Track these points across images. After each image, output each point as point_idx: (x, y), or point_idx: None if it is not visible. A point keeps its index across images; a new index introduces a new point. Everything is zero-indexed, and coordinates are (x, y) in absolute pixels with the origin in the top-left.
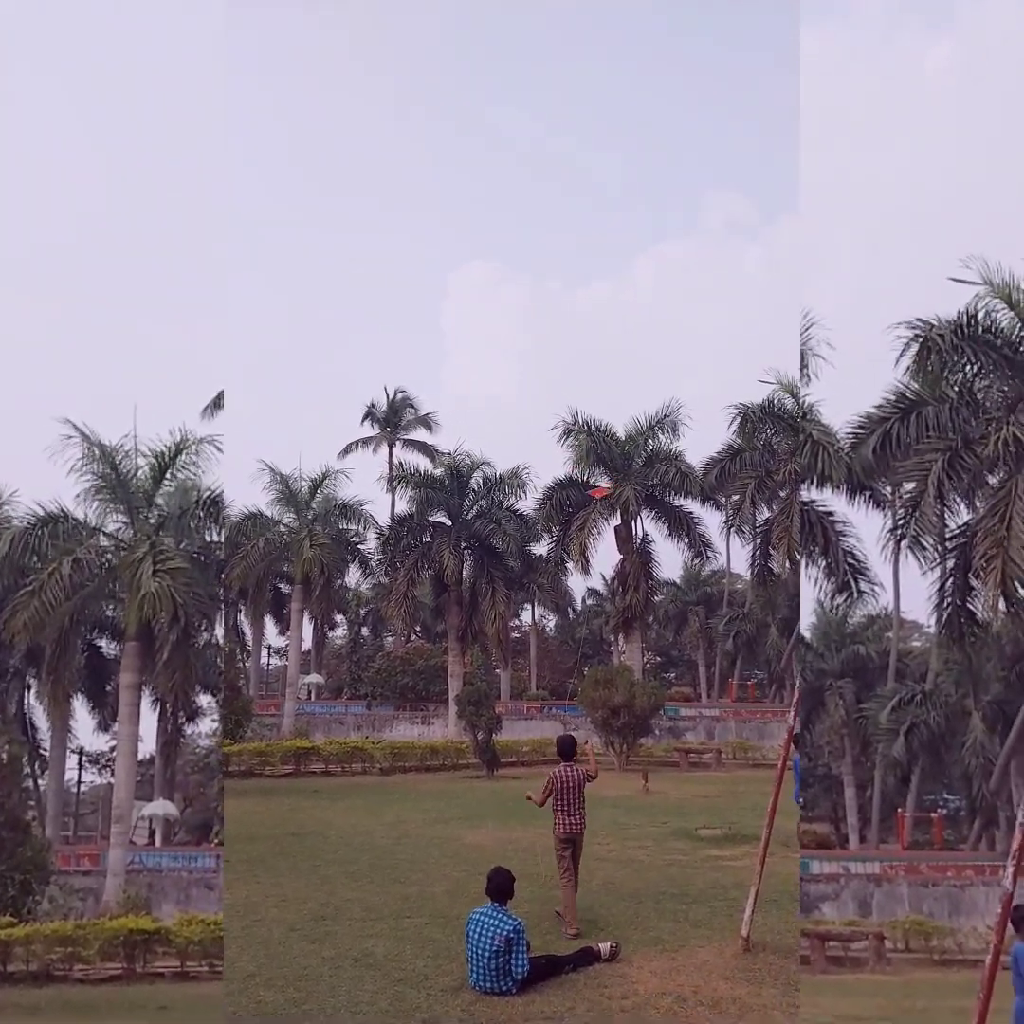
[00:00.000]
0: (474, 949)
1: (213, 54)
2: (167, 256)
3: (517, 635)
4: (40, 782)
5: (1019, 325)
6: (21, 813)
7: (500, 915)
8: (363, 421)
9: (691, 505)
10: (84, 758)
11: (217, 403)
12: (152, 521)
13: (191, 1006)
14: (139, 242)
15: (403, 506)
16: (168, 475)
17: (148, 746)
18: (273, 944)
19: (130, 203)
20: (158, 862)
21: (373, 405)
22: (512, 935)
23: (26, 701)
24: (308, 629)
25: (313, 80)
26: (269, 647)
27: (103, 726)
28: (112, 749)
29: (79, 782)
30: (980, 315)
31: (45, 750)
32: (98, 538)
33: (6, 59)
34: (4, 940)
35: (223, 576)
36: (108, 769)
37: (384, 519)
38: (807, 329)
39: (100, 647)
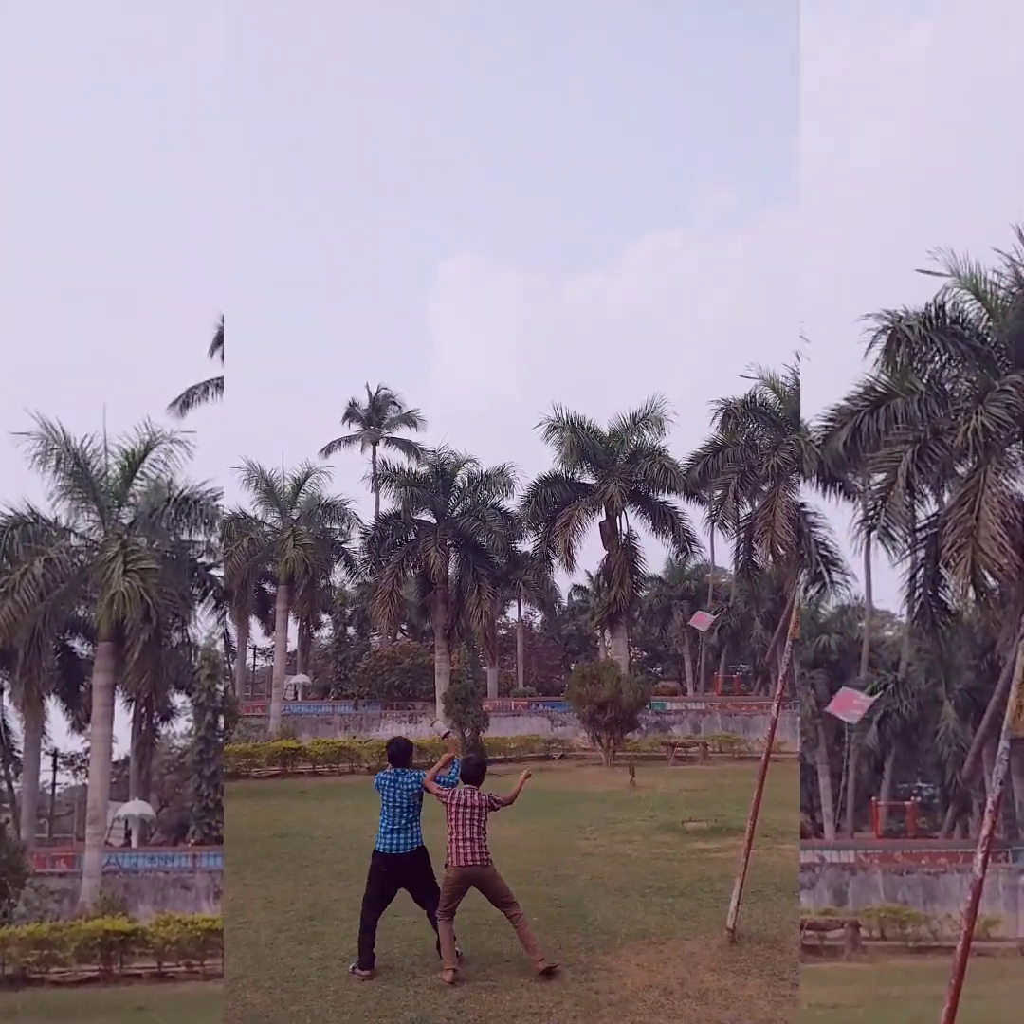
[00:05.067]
0: (390, 809)
1: (207, 49)
2: (148, 249)
3: (503, 632)
4: (14, 784)
5: (986, 316)
6: None
7: (406, 774)
8: (344, 420)
9: (675, 500)
10: (58, 759)
11: (186, 401)
12: (124, 520)
13: (169, 1007)
14: (119, 238)
15: (388, 504)
16: (139, 474)
17: (123, 747)
18: (260, 945)
19: (106, 201)
20: (134, 863)
21: (354, 403)
22: (416, 787)
23: None
24: (293, 629)
25: (302, 74)
26: (255, 648)
27: (77, 727)
28: (86, 750)
29: (54, 784)
30: (948, 306)
31: (19, 752)
32: (69, 538)
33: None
34: None
35: (201, 576)
36: (83, 770)
37: (369, 518)
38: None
39: (73, 648)
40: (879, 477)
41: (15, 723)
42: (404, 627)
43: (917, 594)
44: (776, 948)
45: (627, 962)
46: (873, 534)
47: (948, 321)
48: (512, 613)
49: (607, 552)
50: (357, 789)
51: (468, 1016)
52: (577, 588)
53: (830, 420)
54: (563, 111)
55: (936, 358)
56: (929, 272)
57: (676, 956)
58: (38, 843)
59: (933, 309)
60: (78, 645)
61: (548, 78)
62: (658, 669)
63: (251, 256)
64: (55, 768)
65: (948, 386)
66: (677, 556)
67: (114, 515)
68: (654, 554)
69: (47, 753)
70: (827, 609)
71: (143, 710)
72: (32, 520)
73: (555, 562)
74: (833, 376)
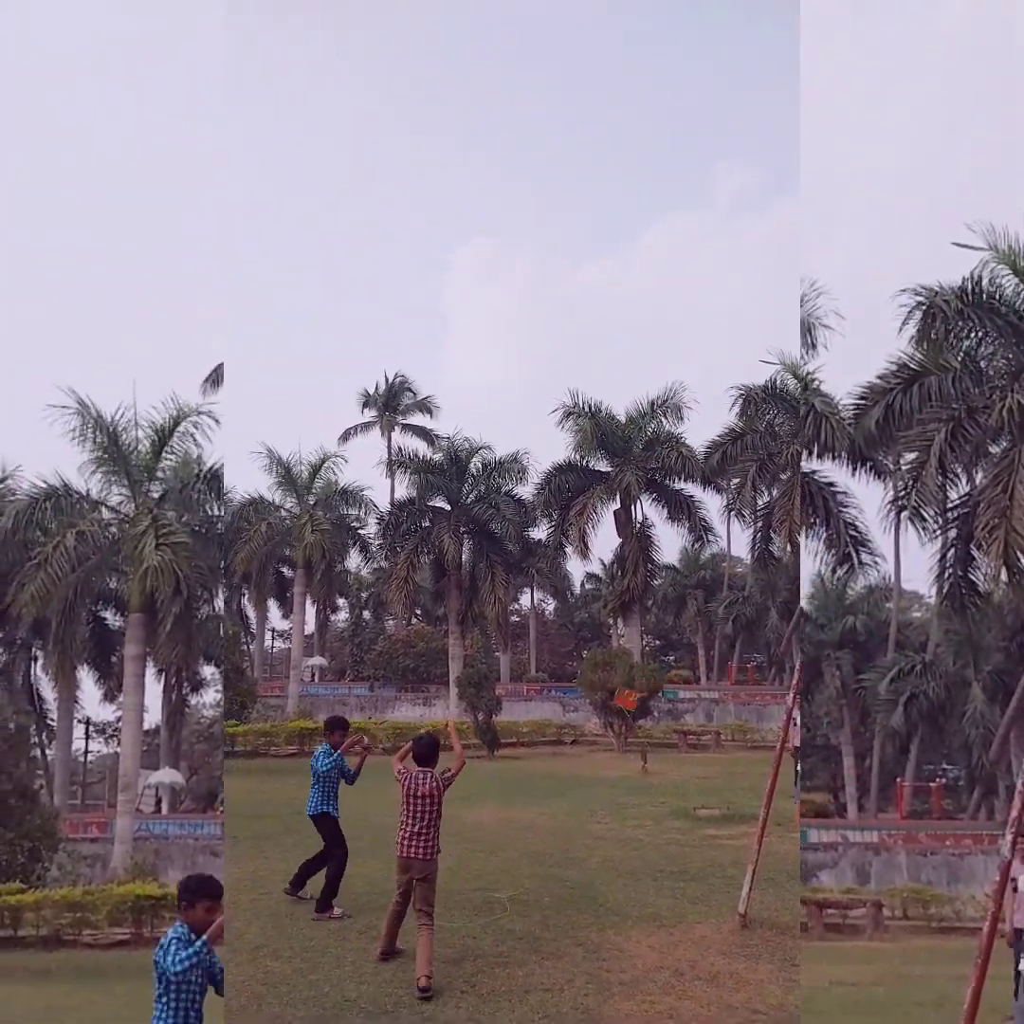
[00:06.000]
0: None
1: (212, 37)
2: (166, 237)
3: (516, 619)
4: (48, 752)
5: None
6: (29, 782)
7: (316, 752)
8: (364, 408)
9: (692, 489)
10: (91, 728)
11: (215, 379)
12: (154, 494)
13: None
14: (141, 223)
15: (402, 491)
16: (167, 448)
17: (153, 716)
18: (280, 916)
19: (132, 184)
20: (164, 829)
21: (376, 390)
22: (313, 763)
23: (33, 672)
24: (311, 612)
25: (312, 57)
26: (273, 630)
27: (109, 697)
28: (118, 719)
29: (86, 752)
30: (985, 281)
31: (52, 720)
32: (101, 511)
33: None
34: (14, 906)
35: (226, 560)
36: (114, 739)
37: (384, 504)
38: (815, 299)
39: (105, 619)
40: (911, 456)
41: (49, 692)
42: (418, 612)
43: (947, 574)
44: (787, 934)
45: (638, 943)
46: (904, 514)
47: (985, 296)
48: (525, 600)
49: (621, 540)
50: (373, 770)
51: (481, 990)
52: (590, 576)
53: (862, 398)
54: (576, 94)
55: (972, 334)
56: (967, 246)
57: (687, 939)
58: (71, 809)
59: (970, 284)
60: (110, 616)
61: (561, 61)
62: (672, 657)
63: (264, 247)
64: (87, 736)
65: (983, 363)
66: (693, 545)
67: (144, 489)
68: (669, 543)
69: (80, 721)
70: (854, 589)
71: (173, 680)
72: (64, 493)
73: (569, 550)
74: (857, 355)
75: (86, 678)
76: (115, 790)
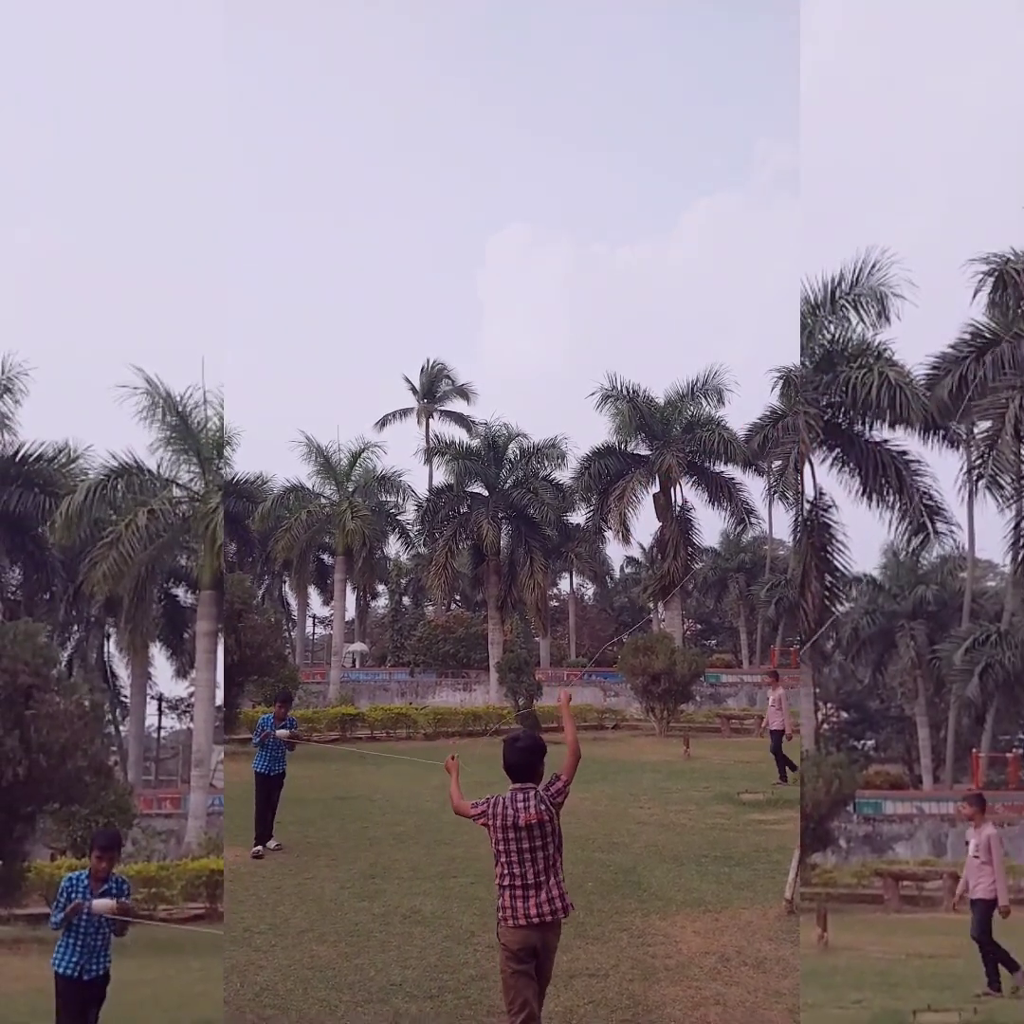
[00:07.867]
0: None
1: (229, 28)
2: (212, 228)
3: (556, 604)
4: (121, 728)
5: None
6: (104, 758)
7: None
8: (416, 395)
9: (733, 471)
10: (163, 704)
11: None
12: (223, 473)
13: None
14: (191, 217)
15: (441, 477)
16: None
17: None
18: (325, 901)
19: (192, 173)
20: None
21: (421, 374)
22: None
23: (106, 650)
24: (351, 599)
25: (342, 44)
26: (314, 617)
27: (181, 673)
28: (190, 695)
29: (159, 727)
30: None
31: (126, 697)
32: (171, 489)
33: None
34: None
35: (268, 548)
36: (187, 715)
37: (422, 490)
38: (885, 269)
39: (176, 596)
40: (985, 425)
41: (122, 669)
42: (458, 598)
43: (1022, 543)
44: (798, 914)
45: (683, 929)
46: (981, 483)
47: None
48: (564, 585)
49: (661, 524)
50: (414, 754)
51: None
52: (630, 560)
53: (934, 367)
54: (611, 76)
55: None
56: None
57: (733, 924)
58: (145, 785)
59: None
60: (181, 593)
61: (596, 44)
62: (713, 641)
63: (300, 237)
64: (160, 712)
65: None
66: (734, 528)
67: (214, 467)
68: (710, 526)
69: (152, 698)
70: (927, 559)
71: None
72: (136, 471)
73: (608, 534)
74: (912, 324)
75: (158, 655)
76: (188, 766)
